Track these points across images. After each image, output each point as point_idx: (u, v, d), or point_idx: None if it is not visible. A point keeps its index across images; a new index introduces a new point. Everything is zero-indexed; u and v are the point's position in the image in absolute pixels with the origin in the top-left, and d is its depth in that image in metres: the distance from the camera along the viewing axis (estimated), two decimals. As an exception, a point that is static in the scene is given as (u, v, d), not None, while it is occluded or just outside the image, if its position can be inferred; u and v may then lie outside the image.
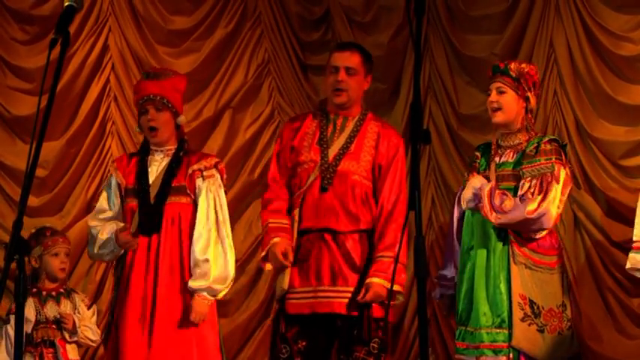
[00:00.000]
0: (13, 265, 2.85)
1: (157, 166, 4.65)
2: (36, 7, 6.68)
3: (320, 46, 6.87)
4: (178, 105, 4.70)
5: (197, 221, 4.54)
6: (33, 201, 6.40)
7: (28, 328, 5.19)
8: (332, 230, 4.47)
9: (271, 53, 6.88)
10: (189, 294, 4.48)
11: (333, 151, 4.55)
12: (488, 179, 4.73)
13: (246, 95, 6.85)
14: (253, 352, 6.51)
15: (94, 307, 5.52)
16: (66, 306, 5.36)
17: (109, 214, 4.67)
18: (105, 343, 4.62)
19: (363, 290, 4.42)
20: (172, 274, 4.50)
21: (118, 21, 6.75)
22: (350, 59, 4.63)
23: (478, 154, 4.93)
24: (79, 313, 5.38)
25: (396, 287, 4.43)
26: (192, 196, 4.60)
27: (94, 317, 5.49)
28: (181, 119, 4.73)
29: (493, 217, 4.59)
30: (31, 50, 6.67)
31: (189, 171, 4.61)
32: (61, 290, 5.41)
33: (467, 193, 4.73)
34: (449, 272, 4.91)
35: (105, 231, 4.56)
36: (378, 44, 6.76)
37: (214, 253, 4.50)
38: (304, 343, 4.45)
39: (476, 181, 4.72)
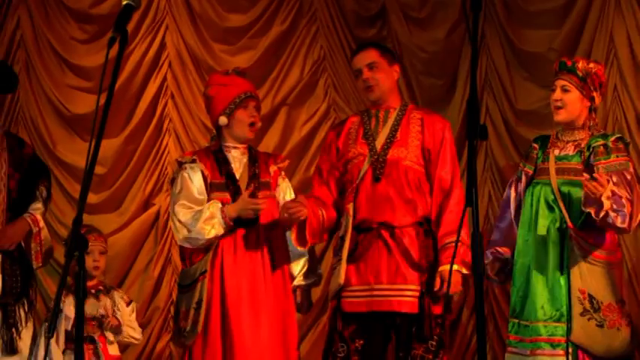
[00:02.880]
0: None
1: (238, 163, 4.69)
2: (95, 7, 6.76)
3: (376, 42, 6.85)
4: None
5: None
6: (92, 198, 6.48)
7: (68, 325, 5.25)
8: (389, 225, 4.46)
9: (327, 50, 6.88)
10: (288, 287, 4.59)
11: (380, 142, 4.54)
12: (546, 171, 4.68)
13: (301, 92, 6.86)
14: (309, 349, 6.51)
15: (133, 304, 5.55)
16: (105, 303, 5.40)
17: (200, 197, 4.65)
18: (186, 340, 4.60)
19: (438, 279, 4.40)
20: (271, 265, 4.56)
21: (174, 19, 6.80)
22: (366, 56, 4.65)
23: (536, 145, 4.86)
24: (118, 310, 5.42)
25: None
26: (275, 192, 4.69)
27: (134, 314, 5.51)
28: (222, 120, 4.77)
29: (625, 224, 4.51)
30: (90, 49, 6.76)
31: (271, 169, 4.71)
32: (100, 287, 5.45)
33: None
34: (498, 238, 4.84)
35: (207, 208, 4.54)
36: (434, 40, 6.73)
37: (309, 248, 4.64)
38: (362, 342, 4.44)
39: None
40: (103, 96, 3.10)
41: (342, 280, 4.41)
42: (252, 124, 4.69)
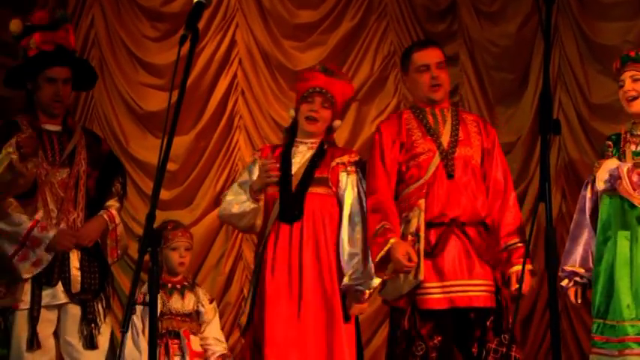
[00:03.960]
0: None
1: (300, 157, 4.69)
2: (166, 5, 6.83)
3: (446, 37, 6.80)
4: (339, 109, 4.75)
5: (344, 216, 4.56)
6: (164, 194, 6.54)
7: (156, 318, 5.31)
8: (461, 222, 4.43)
9: (397, 45, 6.85)
10: (334, 286, 4.52)
11: (445, 140, 4.51)
12: None
13: (372, 87, 6.84)
14: (381, 345, 6.50)
15: (214, 303, 5.59)
16: (190, 299, 5.44)
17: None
18: (243, 334, 4.67)
19: (514, 280, 4.37)
20: (317, 263, 4.52)
21: (245, 16, 6.84)
22: (436, 54, 4.61)
23: (610, 143, 4.78)
24: (202, 306, 5.45)
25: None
26: (334, 189, 4.62)
27: (217, 316, 5.51)
28: (337, 123, 4.74)
29: (637, 195, 4.44)
30: (162, 47, 6.83)
31: (333, 164, 4.63)
32: (185, 283, 5.49)
33: (602, 174, 4.58)
34: (575, 261, 4.76)
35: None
36: (505, 34, 6.66)
37: (364, 246, 4.51)
38: (439, 338, 4.41)
39: (611, 163, 4.57)
40: (175, 93, 3.12)
41: (422, 276, 4.36)
42: (307, 118, 4.65)
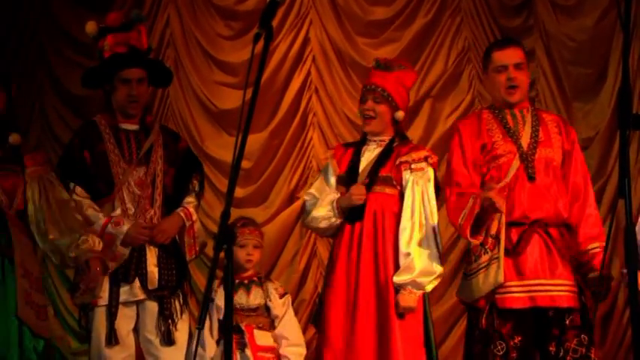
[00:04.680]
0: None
1: (369, 156, 4.69)
2: (240, 3, 6.88)
3: (522, 32, 6.72)
4: (400, 99, 4.67)
5: (402, 214, 4.53)
6: (238, 192, 6.58)
7: (220, 315, 5.34)
8: (543, 222, 4.38)
9: (471, 41, 6.79)
10: (390, 284, 4.50)
11: (525, 141, 4.45)
12: None
13: (446, 84, 6.80)
14: (455, 344, 6.45)
15: (288, 296, 5.58)
16: (256, 294, 5.45)
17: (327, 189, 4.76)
18: (318, 329, 4.69)
19: (597, 282, 4.32)
20: (374, 263, 4.51)
21: (318, 13, 6.85)
22: (516, 55, 4.53)
23: None
24: (270, 301, 5.46)
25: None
26: (399, 188, 4.60)
27: (291, 310, 5.50)
28: (399, 115, 4.70)
29: None
30: (236, 45, 6.87)
31: (397, 162, 4.61)
32: (254, 279, 5.50)
33: None
34: None
35: (325, 198, 4.65)
36: (582, 28, 6.56)
37: (419, 246, 4.48)
38: (520, 338, 4.36)
39: None
40: (249, 91, 3.13)
41: (501, 278, 4.32)
42: (363, 117, 4.68)
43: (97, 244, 4.42)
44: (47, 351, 4.36)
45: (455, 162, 4.54)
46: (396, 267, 4.49)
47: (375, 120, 4.64)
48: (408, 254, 4.46)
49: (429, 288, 4.51)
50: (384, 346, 4.42)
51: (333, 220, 4.62)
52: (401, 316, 4.46)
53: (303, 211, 4.79)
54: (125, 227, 4.60)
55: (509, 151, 4.44)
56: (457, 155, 4.54)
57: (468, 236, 4.33)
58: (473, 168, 4.50)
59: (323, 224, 4.66)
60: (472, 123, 4.59)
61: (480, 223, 4.34)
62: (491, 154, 4.47)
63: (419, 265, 4.45)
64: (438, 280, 4.54)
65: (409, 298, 4.45)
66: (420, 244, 4.48)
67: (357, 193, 4.55)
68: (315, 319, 4.73)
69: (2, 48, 6.69)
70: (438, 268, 4.51)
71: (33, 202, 4.41)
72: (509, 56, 4.51)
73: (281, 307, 5.44)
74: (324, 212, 4.65)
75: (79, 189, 4.64)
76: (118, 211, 4.65)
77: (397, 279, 4.45)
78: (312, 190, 4.77)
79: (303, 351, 5.50)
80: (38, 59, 6.98)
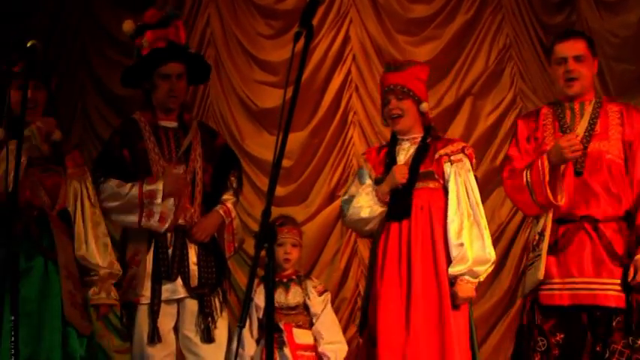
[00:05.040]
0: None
1: (404, 154, 4.69)
2: (280, 2, 6.88)
3: (564, 28, 6.65)
4: (420, 92, 4.70)
5: (449, 206, 4.54)
6: (279, 191, 6.59)
7: (259, 313, 5.35)
8: (592, 219, 4.33)
9: (513, 38, 6.73)
10: (443, 278, 4.49)
11: (579, 135, 4.41)
12: None
13: (487, 81, 6.74)
14: (498, 341, 6.40)
15: (327, 294, 5.58)
16: (295, 293, 5.45)
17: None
18: (361, 330, 4.69)
19: (632, 269, 4.25)
20: (425, 258, 4.50)
21: (358, 12, 6.83)
22: (576, 47, 4.49)
23: None
24: (309, 299, 5.45)
25: None
26: (441, 181, 4.60)
27: (329, 307, 5.49)
28: (424, 106, 4.71)
29: None
30: (276, 44, 6.88)
31: (436, 156, 4.61)
32: (293, 277, 5.50)
33: None
34: None
35: (362, 191, 4.66)
36: (626, 24, 6.48)
37: (470, 236, 4.48)
38: (562, 335, 4.33)
39: None
40: (290, 90, 3.13)
41: (541, 275, 4.30)
42: (391, 118, 4.69)
43: (110, 295, 4.52)
44: (90, 349, 4.39)
45: (510, 151, 4.61)
46: (448, 259, 4.49)
47: (403, 117, 4.66)
48: (461, 244, 4.47)
49: (483, 277, 4.52)
50: (441, 340, 4.41)
51: (375, 207, 4.60)
52: (457, 307, 4.46)
53: (342, 215, 4.80)
54: (160, 181, 4.61)
55: None
56: (513, 149, 4.60)
57: (552, 199, 4.31)
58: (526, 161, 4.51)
59: (365, 213, 4.63)
60: (529, 119, 4.62)
61: (555, 182, 4.32)
62: (540, 149, 4.45)
63: (472, 254, 4.46)
64: (492, 267, 4.55)
65: (466, 288, 4.45)
66: (470, 234, 4.48)
67: (401, 171, 4.55)
68: (362, 320, 4.70)
69: (45, 48, 6.75)
70: (492, 255, 4.51)
71: (71, 204, 4.45)
72: (568, 48, 4.49)
73: (320, 304, 5.44)
74: (364, 201, 4.63)
75: (113, 180, 4.66)
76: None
77: (453, 270, 4.45)
78: (347, 196, 4.78)
79: (344, 347, 5.50)
80: (80, 59, 7.04)
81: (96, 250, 4.58)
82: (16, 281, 3.70)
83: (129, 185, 4.62)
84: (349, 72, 6.83)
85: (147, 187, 4.59)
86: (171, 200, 4.64)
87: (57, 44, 6.97)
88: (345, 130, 6.82)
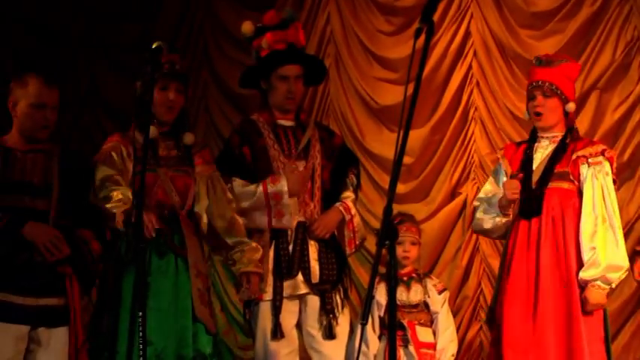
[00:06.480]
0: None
1: (542, 153, 4.64)
2: (400, -1, 6.88)
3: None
4: (569, 92, 4.64)
5: (583, 208, 4.47)
6: (400, 188, 6.57)
7: (380, 311, 5.35)
8: None
9: (641, 30, 6.54)
10: (573, 282, 4.41)
11: None
12: None
13: (613, 75, 6.56)
14: (628, 340, 6.25)
15: (447, 292, 5.54)
16: (416, 291, 5.43)
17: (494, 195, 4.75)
18: (490, 326, 4.66)
19: None
20: (555, 260, 4.45)
21: (479, 6, 6.76)
22: None
23: None
24: (429, 297, 5.43)
25: None
26: (576, 183, 4.54)
27: (446, 305, 5.45)
28: (570, 106, 4.64)
29: None
30: (396, 41, 6.87)
31: (574, 157, 4.55)
32: (413, 275, 5.48)
33: None
34: None
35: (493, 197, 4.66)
36: None
37: (603, 240, 4.40)
38: None
39: None
40: (410, 87, 3.11)
41: None
42: (536, 114, 4.63)
43: (258, 252, 4.50)
44: (215, 347, 4.46)
45: None
46: (579, 262, 4.42)
47: (546, 115, 4.60)
48: (593, 248, 4.39)
49: (615, 284, 4.42)
50: (569, 344, 4.34)
51: (498, 219, 4.58)
52: (587, 313, 4.37)
53: (473, 218, 4.80)
54: (284, 181, 4.64)
55: None
56: None
57: None
58: None
59: (488, 225, 4.65)
60: None
61: None
62: None
63: (605, 260, 4.37)
64: (625, 274, 4.44)
65: (598, 295, 4.37)
66: (604, 238, 4.40)
67: (510, 187, 4.51)
68: (489, 318, 4.66)
69: (171, 48, 6.91)
70: (626, 262, 4.44)
71: (201, 200, 4.51)
72: None
73: (439, 303, 5.42)
74: (485, 212, 4.65)
75: (238, 180, 4.72)
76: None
77: (584, 275, 4.37)
78: (481, 195, 4.77)
79: (454, 346, 5.47)
80: (203, 58, 7.19)
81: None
82: (144, 278, 3.79)
83: (253, 186, 4.67)
84: (470, 68, 6.77)
85: (272, 188, 4.64)
86: (295, 199, 4.68)
87: (182, 44, 7.12)
88: (466, 127, 6.76)
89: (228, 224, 4.51)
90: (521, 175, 4.59)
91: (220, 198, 4.52)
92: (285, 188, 4.63)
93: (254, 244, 4.52)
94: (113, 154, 4.38)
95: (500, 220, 4.59)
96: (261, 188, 4.64)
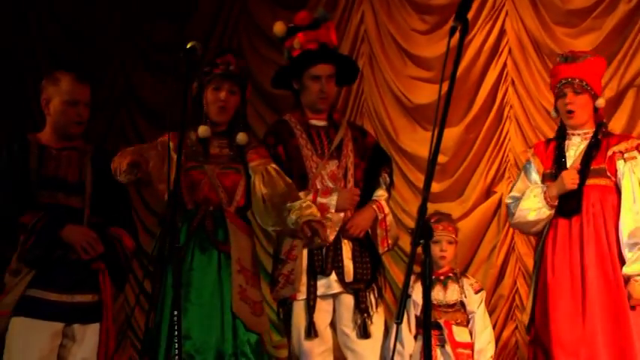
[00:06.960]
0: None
1: (574, 150, 4.63)
2: (435, -3, 6.86)
3: None
4: (597, 88, 4.64)
5: (622, 204, 4.45)
6: (434, 187, 6.56)
7: (417, 310, 5.33)
8: None
9: (679, 26, 6.47)
10: (619, 278, 4.39)
11: None
12: None
13: (651, 73, 6.51)
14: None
15: (483, 292, 5.52)
16: (453, 290, 5.41)
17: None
18: (528, 331, 4.64)
19: None
20: (600, 257, 4.43)
21: (514, 4, 6.73)
22: None
23: None
24: (465, 297, 5.41)
25: None
26: (614, 179, 4.52)
27: (482, 305, 5.43)
28: (600, 102, 4.64)
29: None
30: (430, 39, 6.86)
31: (609, 153, 4.53)
32: (450, 275, 5.47)
33: None
34: None
35: (529, 192, 4.62)
36: None
37: None
38: None
39: None
40: (445, 85, 3.11)
41: None
42: (568, 112, 4.60)
43: (317, 211, 4.48)
44: (260, 346, 4.46)
45: None
46: (621, 257, 4.40)
47: (578, 112, 4.58)
48: (635, 244, 4.36)
49: None
50: (619, 341, 4.33)
51: (543, 210, 4.55)
52: (634, 308, 4.37)
53: (508, 215, 4.77)
54: (334, 195, 4.64)
55: None
56: None
57: None
58: None
59: (532, 216, 4.59)
60: None
61: None
62: None
63: None
64: None
65: None
66: None
67: (571, 177, 4.47)
68: (530, 319, 4.64)
69: (205, 47, 6.94)
70: None
71: (259, 190, 4.51)
72: None
73: (476, 302, 5.41)
74: (532, 204, 4.59)
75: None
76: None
77: (627, 270, 4.37)
78: (514, 193, 4.74)
79: (493, 347, 5.44)
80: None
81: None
82: (179, 277, 3.82)
83: (302, 192, 4.65)
84: (505, 66, 6.74)
85: (320, 200, 4.65)
86: (342, 214, 4.68)
87: (216, 43, 7.15)
88: (501, 125, 6.73)
89: (284, 195, 4.47)
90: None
91: (276, 179, 4.51)
92: (334, 202, 4.64)
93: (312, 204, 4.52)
94: (158, 143, 4.43)
95: (545, 212, 4.55)
96: (311, 197, 4.66)
